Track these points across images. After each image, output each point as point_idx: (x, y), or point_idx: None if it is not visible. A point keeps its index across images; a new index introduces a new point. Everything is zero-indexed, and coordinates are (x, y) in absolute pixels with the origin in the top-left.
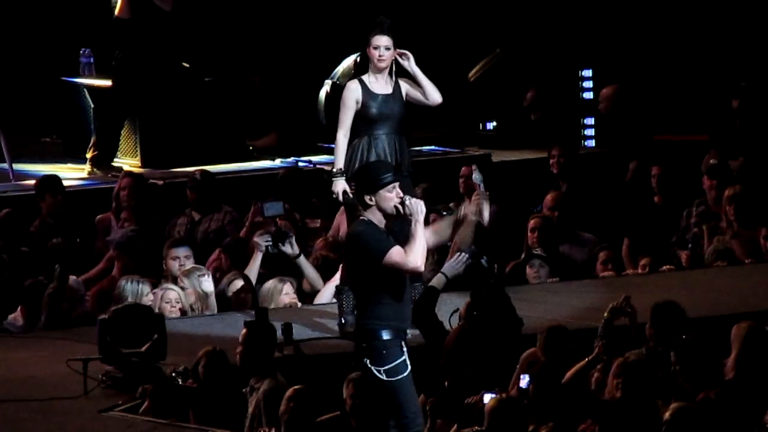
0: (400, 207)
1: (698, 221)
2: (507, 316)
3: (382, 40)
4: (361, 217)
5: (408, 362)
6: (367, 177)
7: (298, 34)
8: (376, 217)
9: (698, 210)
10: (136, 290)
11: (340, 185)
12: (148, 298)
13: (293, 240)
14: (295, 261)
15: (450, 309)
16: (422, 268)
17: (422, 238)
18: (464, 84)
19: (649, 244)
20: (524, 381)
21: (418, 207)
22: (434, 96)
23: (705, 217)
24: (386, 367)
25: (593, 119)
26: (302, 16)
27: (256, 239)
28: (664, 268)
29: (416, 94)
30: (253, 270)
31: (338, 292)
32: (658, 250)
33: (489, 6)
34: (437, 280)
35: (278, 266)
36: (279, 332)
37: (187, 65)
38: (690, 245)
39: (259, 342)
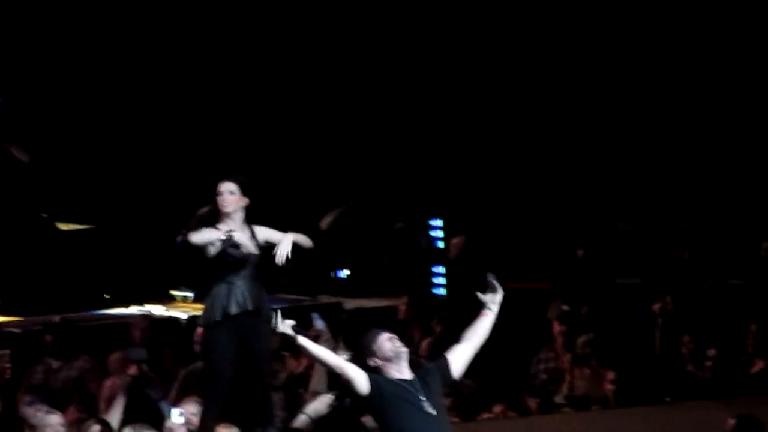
0: (391, 346)
1: (547, 368)
2: None
3: (225, 186)
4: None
5: None
6: (362, 346)
7: (152, 184)
8: (390, 374)
9: (547, 356)
10: None
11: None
12: None
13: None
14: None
15: None
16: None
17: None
18: (316, 233)
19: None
20: None
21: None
22: (308, 243)
23: (554, 363)
24: None
25: (443, 268)
26: (159, 167)
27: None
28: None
29: (278, 238)
30: (114, 415)
31: None
32: (509, 396)
33: (341, 157)
34: (300, 421)
35: (140, 413)
36: None
37: (45, 215)
38: (539, 391)
39: None
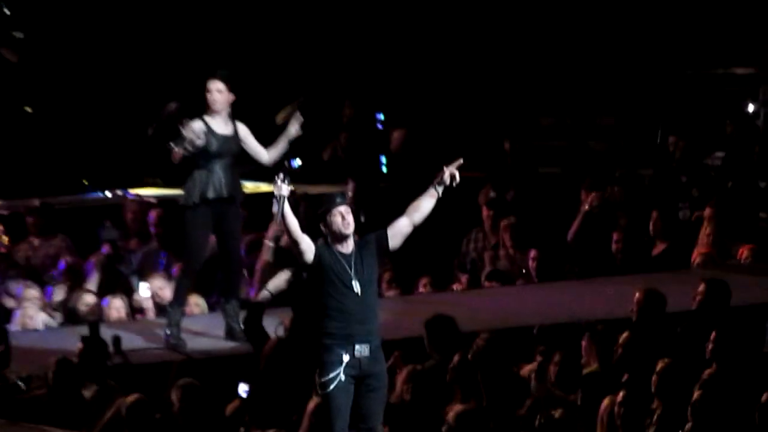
0: (340, 222)
1: (476, 247)
2: None
3: (215, 85)
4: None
5: (342, 378)
6: (320, 209)
7: (132, 74)
8: (333, 245)
9: (477, 237)
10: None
11: None
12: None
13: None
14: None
15: (275, 322)
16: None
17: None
18: (272, 126)
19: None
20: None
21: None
22: (270, 161)
23: (482, 243)
24: (320, 380)
25: (384, 157)
26: (138, 58)
27: None
28: (455, 287)
29: (254, 146)
30: (91, 288)
31: (166, 309)
32: (439, 272)
33: (292, 57)
34: (262, 296)
35: (115, 284)
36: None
37: (30, 110)
38: (469, 268)
39: (91, 353)
